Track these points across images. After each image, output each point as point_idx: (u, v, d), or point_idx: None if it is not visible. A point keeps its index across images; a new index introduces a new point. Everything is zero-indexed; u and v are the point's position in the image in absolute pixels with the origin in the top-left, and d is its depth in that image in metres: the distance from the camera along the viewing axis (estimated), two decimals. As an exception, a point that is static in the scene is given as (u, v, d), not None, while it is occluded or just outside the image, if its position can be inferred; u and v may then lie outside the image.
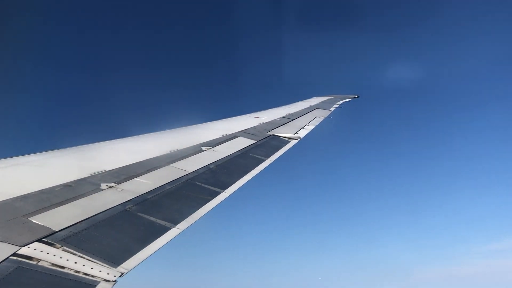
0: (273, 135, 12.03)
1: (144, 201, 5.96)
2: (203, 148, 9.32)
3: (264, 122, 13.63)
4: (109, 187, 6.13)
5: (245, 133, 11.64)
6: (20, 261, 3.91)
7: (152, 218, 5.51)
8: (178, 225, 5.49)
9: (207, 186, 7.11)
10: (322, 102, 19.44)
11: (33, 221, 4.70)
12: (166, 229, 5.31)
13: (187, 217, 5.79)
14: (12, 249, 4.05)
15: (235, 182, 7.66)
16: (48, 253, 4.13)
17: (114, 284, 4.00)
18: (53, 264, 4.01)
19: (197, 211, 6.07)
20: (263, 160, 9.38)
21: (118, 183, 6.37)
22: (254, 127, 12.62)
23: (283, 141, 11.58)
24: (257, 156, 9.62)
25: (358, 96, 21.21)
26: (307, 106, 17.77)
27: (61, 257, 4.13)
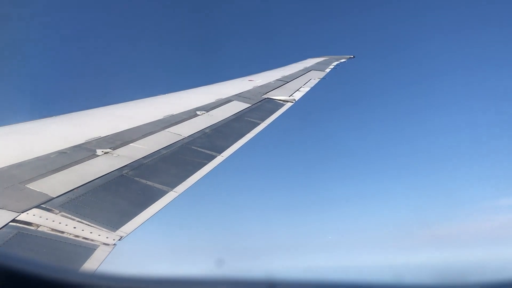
0: (268, 98, 11.97)
1: (141, 166, 5.99)
2: (198, 112, 9.28)
3: (259, 85, 13.52)
4: (104, 153, 6.13)
5: (239, 96, 11.57)
6: (20, 227, 3.96)
7: (149, 183, 5.55)
8: (175, 189, 5.54)
9: (203, 150, 7.13)
10: (317, 63, 19.24)
11: (30, 188, 4.73)
12: (164, 193, 5.36)
13: (184, 180, 5.84)
14: (11, 215, 4.09)
15: (231, 145, 7.69)
16: (47, 219, 4.18)
17: (114, 247, 4.07)
18: (52, 229, 4.06)
19: (194, 174, 6.11)
20: (258, 124, 9.38)
21: (114, 148, 6.37)
22: (249, 91, 12.53)
23: (278, 104, 11.54)
24: (252, 119, 9.61)
25: (354, 57, 21.01)
26: (302, 68, 17.59)
27: (60, 223, 4.19)
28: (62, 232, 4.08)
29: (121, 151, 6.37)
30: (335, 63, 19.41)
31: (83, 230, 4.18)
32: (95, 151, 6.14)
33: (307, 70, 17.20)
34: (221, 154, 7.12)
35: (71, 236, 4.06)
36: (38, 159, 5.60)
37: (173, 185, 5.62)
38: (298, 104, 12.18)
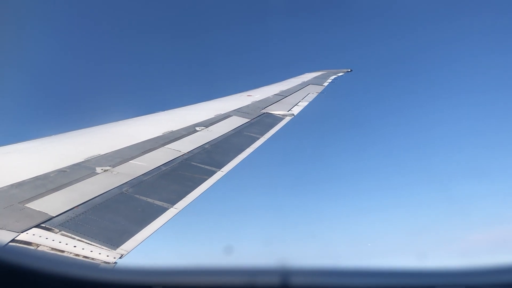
0: (266, 113, 12.00)
1: (140, 183, 5.97)
2: (197, 128, 9.29)
3: (257, 100, 13.57)
4: (104, 171, 6.11)
5: (238, 112, 11.60)
6: (20, 247, 3.92)
7: (149, 200, 5.52)
8: (176, 205, 5.50)
9: (202, 166, 7.11)
10: (315, 77, 19.36)
11: (30, 207, 4.70)
12: (164, 210, 5.33)
13: (184, 197, 5.81)
14: (10, 235, 4.05)
15: (231, 160, 7.67)
16: (47, 238, 4.14)
17: (114, 265, 4.02)
18: (52, 249, 4.02)
19: (194, 190, 6.08)
20: (258, 138, 9.38)
21: (113, 166, 6.36)
22: (247, 106, 12.57)
23: (277, 119, 11.56)
24: (251, 134, 9.62)
25: (351, 70, 21.14)
26: (300, 83, 17.69)
27: (60, 242, 4.15)
28: (62, 251, 4.03)
29: (121, 168, 6.35)
30: (332, 77, 19.53)
31: (83, 248, 4.14)
32: (95, 169, 6.12)
33: (305, 85, 17.30)
34: (221, 170, 7.10)
35: (71, 255, 4.02)
36: (37, 178, 5.58)
37: (173, 202, 5.59)
38: (296, 118, 12.22)
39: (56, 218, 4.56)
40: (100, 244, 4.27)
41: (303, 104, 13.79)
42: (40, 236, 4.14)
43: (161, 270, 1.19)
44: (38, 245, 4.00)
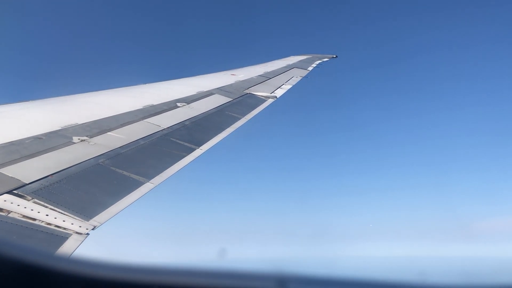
0: (249, 93, 11.96)
1: (118, 156, 5.91)
2: (178, 104, 9.21)
3: (241, 80, 13.50)
4: (81, 141, 6.03)
5: (221, 90, 11.53)
6: (-10, 212, 3.86)
7: (125, 173, 5.48)
8: (152, 180, 5.49)
9: (182, 142, 7.08)
10: (300, 61, 19.32)
11: (3, 172, 4.61)
12: (140, 184, 5.31)
13: (161, 172, 5.79)
14: None
15: (210, 139, 7.66)
16: (18, 205, 4.09)
17: (86, 236, 4.01)
18: (24, 216, 3.98)
19: (172, 166, 6.06)
20: (239, 119, 9.37)
21: (91, 136, 6.27)
22: (231, 85, 12.50)
23: (259, 100, 11.54)
24: (233, 114, 9.59)
25: (336, 56, 21.17)
26: (284, 65, 17.64)
27: (32, 209, 4.10)
28: (34, 219, 3.99)
29: (98, 139, 6.27)
30: (317, 62, 19.54)
31: (55, 218, 4.11)
32: (72, 138, 6.03)
33: (289, 68, 17.25)
34: (200, 147, 7.09)
35: (43, 224, 3.98)
36: (12, 143, 5.46)
37: (150, 176, 5.57)
38: (279, 101, 12.23)
39: (30, 185, 4.49)
40: (73, 214, 4.24)
41: (287, 87, 13.79)
42: (11, 203, 4.09)
43: (152, 269, 1.18)
44: (9, 212, 3.95)
